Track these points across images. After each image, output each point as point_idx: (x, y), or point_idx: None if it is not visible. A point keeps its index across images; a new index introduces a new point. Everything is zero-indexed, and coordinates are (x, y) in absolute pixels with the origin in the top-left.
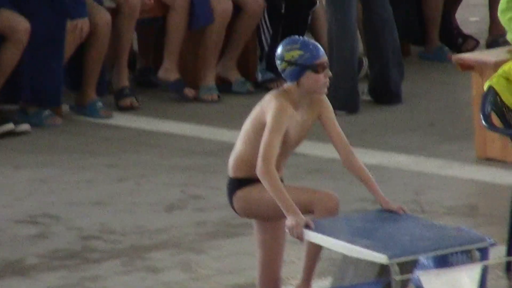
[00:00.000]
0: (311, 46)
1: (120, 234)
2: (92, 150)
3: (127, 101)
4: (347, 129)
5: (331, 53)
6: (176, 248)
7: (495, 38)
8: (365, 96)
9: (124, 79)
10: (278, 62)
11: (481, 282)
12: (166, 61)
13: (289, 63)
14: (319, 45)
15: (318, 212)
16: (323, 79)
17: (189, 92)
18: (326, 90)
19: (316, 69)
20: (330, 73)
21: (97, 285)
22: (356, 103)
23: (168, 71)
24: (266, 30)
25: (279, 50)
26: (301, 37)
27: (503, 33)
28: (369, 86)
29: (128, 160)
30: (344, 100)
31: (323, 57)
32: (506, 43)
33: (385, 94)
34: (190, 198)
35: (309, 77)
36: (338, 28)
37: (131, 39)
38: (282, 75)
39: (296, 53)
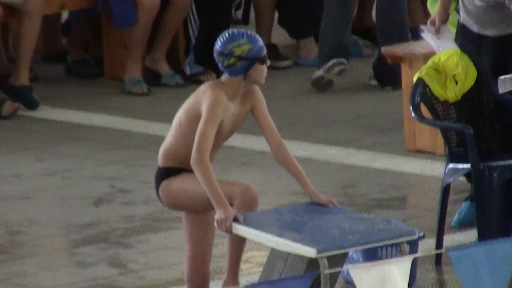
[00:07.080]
0: (256, 39)
1: (47, 229)
2: (20, 144)
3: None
4: (278, 121)
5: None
6: (104, 243)
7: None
8: (371, 81)
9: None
10: (223, 58)
11: (410, 275)
12: (19, 67)
13: (240, 58)
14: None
15: (236, 205)
16: (265, 69)
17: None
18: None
19: (264, 60)
20: (269, 62)
21: (25, 280)
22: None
23: (19, 78)
24: (193, 22)
25: (224, 46)
26: (241, 30)
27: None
28: (373, 68)
29: (56, 153)
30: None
31: (265, 47)
32: None
33: (388, 76)
34: (118, 192)
35: (256, 69)
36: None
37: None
38: (227, 70)
39: (246, 47)
